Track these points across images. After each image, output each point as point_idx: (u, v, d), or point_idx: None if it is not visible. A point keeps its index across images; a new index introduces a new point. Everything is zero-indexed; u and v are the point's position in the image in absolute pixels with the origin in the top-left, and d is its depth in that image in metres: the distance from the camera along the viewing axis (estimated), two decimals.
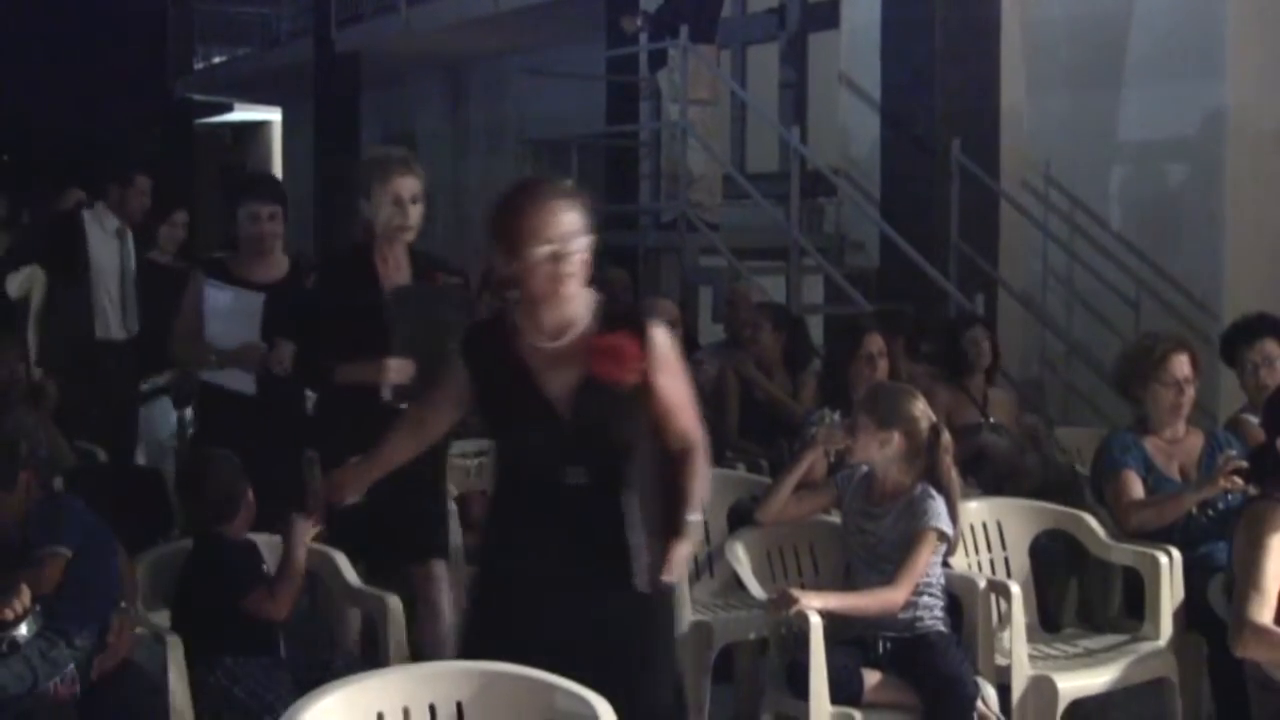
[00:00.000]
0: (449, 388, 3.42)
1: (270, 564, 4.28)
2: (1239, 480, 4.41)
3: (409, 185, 4.55)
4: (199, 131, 25.05)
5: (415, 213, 4.54)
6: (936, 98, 8.98)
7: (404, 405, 4.18)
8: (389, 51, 16.60)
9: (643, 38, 10.23)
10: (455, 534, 5.31)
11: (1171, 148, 8.24)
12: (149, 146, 22.79)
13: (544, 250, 3.14)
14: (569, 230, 3.17)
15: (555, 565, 3.21)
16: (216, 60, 21.98)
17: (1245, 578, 3.79)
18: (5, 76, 20.76)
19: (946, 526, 4.20)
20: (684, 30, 9.16)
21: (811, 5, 10.87)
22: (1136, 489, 4.72)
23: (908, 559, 4.14)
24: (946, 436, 4.32)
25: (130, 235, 7.27)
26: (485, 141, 16.97)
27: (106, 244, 7.18)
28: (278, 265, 5.33)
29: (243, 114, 23.96)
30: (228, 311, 5.14)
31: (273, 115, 23.46)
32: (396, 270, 4.58)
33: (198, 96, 23.00)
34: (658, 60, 9.91)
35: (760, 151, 11.04)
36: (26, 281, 7.34)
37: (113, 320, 7.15)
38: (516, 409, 3.26)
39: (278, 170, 23.32)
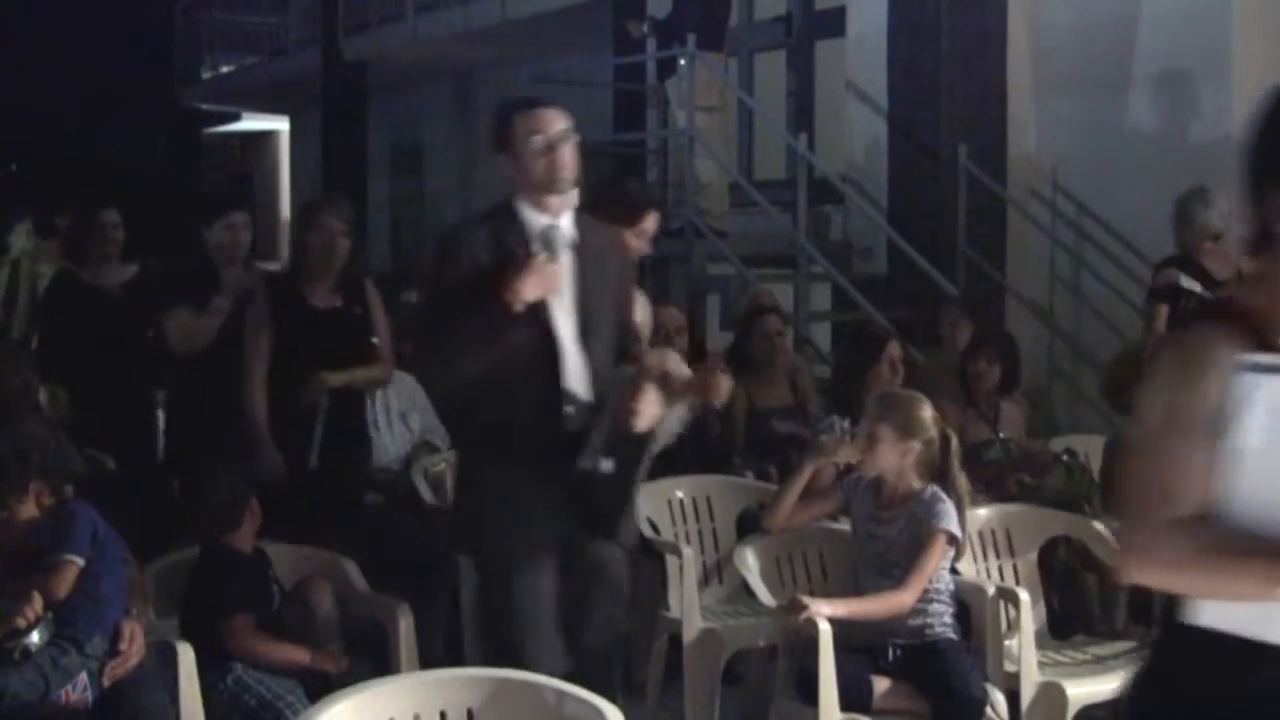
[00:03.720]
0: None
1: (280, 572, 4.30)
2: None
3: None
4: (207, 141, 25.09)
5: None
6: (943, 104, 8.98)
7: None
8: (396, 60, 16.62)
9: (650, 45, 10.24)
10: None
11: (1179, 154, 8.22)
12: (156, 156, 22.84)
13: None
14: None
15: None
16: (224, 69, 22.00)
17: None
18: (12, 86, 20.79)
19: (956, 529, 4.21)
20: (691, 38, 9.17)
21: (818, 12, 10.89)
22: None
23: (917, 561, 4.16)
24: (956, 442, 4.34)
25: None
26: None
27: None
28: None
29: (250, 123, 24.00)
30: None
31: (280, 124, 23.49)
32: None
33: (205, 106, 23.04)
34: (665, 68, 9.92)
35: (767, 159, 11.05)
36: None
37: None
38: None
39: (285, 180, 23.34)
